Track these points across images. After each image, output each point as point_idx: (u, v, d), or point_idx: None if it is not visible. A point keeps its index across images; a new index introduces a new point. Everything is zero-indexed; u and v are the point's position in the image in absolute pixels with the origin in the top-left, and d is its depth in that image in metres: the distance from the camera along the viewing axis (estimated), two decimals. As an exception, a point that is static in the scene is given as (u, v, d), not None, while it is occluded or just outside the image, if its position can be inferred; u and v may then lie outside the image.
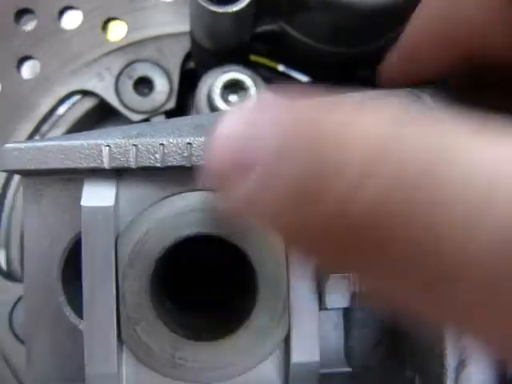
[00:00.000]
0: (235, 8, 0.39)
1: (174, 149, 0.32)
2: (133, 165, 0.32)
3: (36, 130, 0.52)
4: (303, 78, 0.60)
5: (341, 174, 0.18)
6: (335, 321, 0.39)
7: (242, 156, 0.20)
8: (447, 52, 0.33)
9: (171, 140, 0.32)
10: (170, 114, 0.54)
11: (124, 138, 0.32)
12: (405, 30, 0.35)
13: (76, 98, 0.54)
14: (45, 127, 0.54)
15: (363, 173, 0.18)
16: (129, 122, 0.53)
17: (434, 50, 0.34)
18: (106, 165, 0.32)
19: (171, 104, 0.53)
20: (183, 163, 0.32)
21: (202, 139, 0.32)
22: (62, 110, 0.55)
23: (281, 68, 0.63)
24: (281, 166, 0.19)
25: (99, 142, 0.32)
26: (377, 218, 0.18)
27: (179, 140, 0.32)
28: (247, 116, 0.20)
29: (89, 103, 0.54)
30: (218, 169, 0.21)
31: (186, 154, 0.31)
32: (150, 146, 0.31)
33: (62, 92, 0.52)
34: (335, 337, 0.39)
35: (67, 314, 0.35)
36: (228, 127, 0.20)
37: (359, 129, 0.19)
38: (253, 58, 0.58)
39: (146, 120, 0.53)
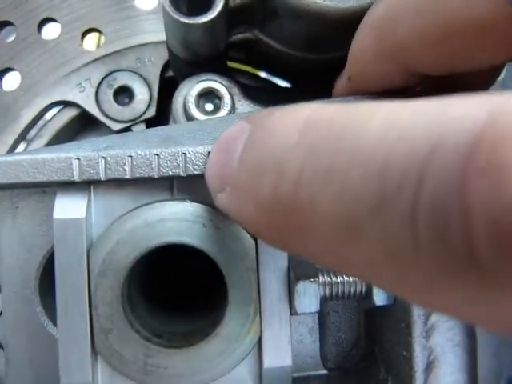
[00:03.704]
0: (205, 19, 0.39)
1: (142, 160, 0.32)
2: (102, 177, 0.32)
3: (17, 142, 0.52)
4: (284, 84, 0.61)
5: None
6: (310, 325, 0.40)
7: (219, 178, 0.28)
8: (390, 65, 0.35)
9: (139, 152, 0.32)
10: (150, 122, 0.54)
11: (94, 150, 0.32)
12: (351, 48, 0.38)
13: (58, 108, 0.55)
14: (29, 136, 0.55)
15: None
16: (110, 131, 0.53)
17: (379, 65, 0.36)
18: (77, 177, 0.32)
19: (151, 112, 0.54)
20: (152, 174, 0.32)
21: (170, 150, 0.32)
22: (45, 119, 0.56)
23: (262, 74, 0.63)
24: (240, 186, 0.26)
25: (69, 155, 0.32)
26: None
27: (147, 152, 0.32)
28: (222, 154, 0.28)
29: (70, 113, 0.54)
30: (209, 183, 0.29)
31: (154, 166, 0.32)
32: (118, 158, 0.32)
33: (43, 103, 0.52)
34: (311, 341, 0.40)
35: (45, 323, 0.36)
36: (212, 160, 0.29)
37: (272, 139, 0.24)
38: (234, 65, 0.59)
39: (127, 129, 0.54)
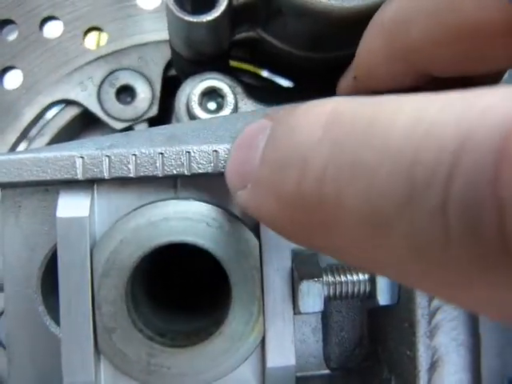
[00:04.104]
0: (209, 17, 0.39)
1: (146, 159, 0.32)
2: (106, 175, 0.32)
3: (18, 141, 0.52)
4: (286, 84, 0.60)
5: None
6: (314, 325, 0.40)
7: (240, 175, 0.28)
8: (400, 66, 0.35)
9: (143, 150, 0.32)
10: (152, 122, 0.54)
11: (97, 149, 0.32)
12: (358, 48, 0.37)
13: (60, 106, 0.55)
14: (31, 135, 0.55)
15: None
16: (112, 130, 0.53)
17: (389, 65, 0.35)
18: (80, 176, 0.32)
19: (154, 111, 0.54)
20: (156, 173, 0.32)
21: (174, 149, 0.32)
22: (47, 117, 0.56)
23: (265, 74, 0.63)
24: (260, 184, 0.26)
25: (73, 153, 0.32)
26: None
27: (151, 150, 0.32)
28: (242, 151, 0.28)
29: (72, 112, 0.54)
30: (229, 180, 0.29)
31: (158, 164, 0.32)
32: (122, 157, 0.32)
33: (45, 102, 0.52)
34: (314, 340, 0.40)
35: (47, 323, 0.36)
36: (232, 158, 0.29)
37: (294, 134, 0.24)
38: (236, 64, 0.59)
39: (129, 128, 0.54)
